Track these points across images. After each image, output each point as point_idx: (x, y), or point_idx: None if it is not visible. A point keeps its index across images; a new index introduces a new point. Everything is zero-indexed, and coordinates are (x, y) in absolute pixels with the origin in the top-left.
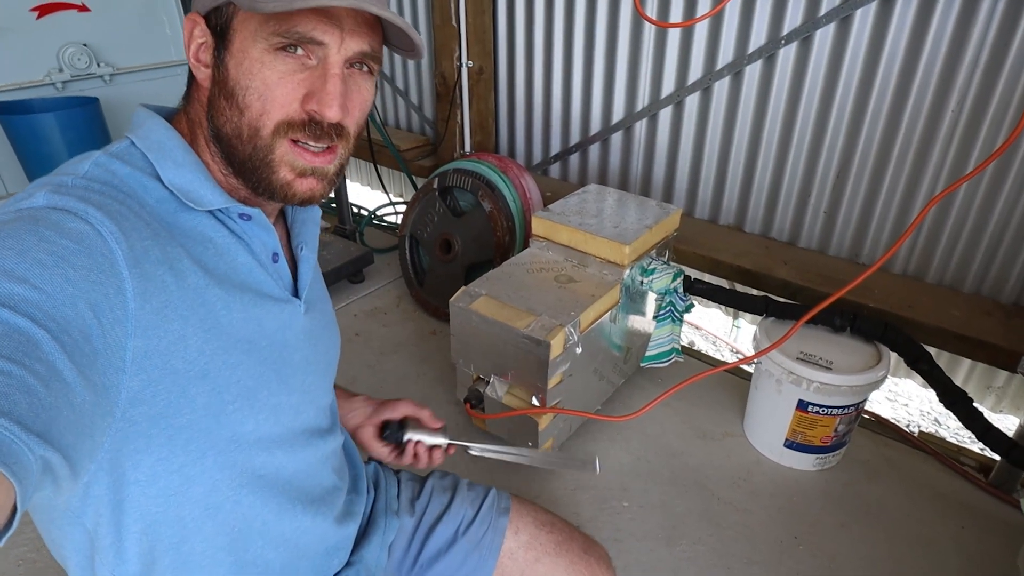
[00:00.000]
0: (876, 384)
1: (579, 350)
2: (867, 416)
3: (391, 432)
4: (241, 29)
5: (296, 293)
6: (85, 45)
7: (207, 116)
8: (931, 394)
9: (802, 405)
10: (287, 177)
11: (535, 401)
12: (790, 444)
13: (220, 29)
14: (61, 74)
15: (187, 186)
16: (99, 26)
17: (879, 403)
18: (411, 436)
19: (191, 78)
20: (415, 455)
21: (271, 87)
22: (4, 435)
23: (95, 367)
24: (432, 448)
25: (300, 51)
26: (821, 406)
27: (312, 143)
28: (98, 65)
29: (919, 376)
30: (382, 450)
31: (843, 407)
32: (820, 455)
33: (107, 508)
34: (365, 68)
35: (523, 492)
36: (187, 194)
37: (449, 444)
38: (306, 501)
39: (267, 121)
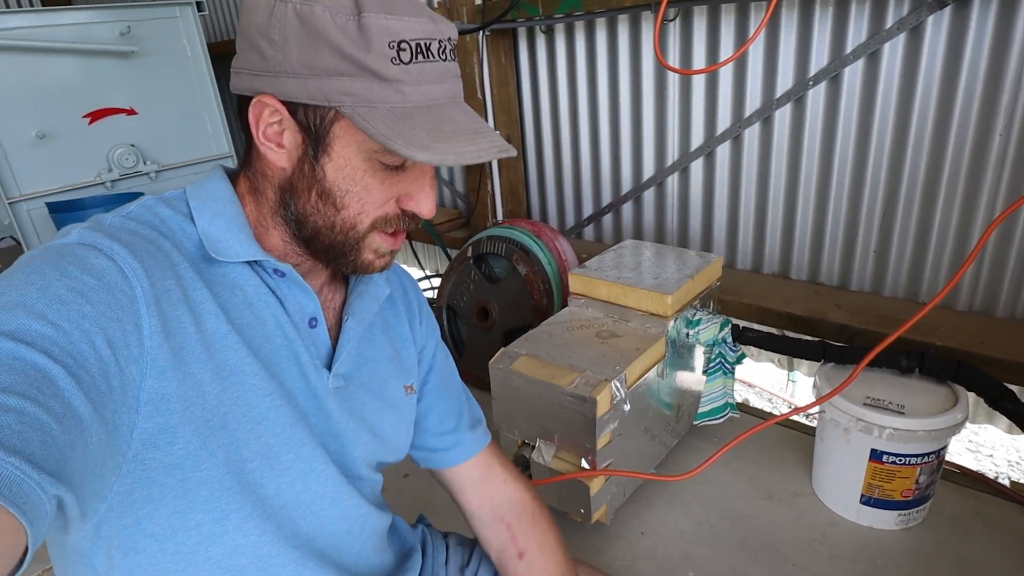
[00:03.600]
0: (956, 428)
1: (627, 407)
2: (950, 467)
3: None
4: (345, 137)
5: (330, 364)
6: (132, 145)
7: (279, 197)
8: (1020, 442)
9: (876, 455)
10: (369, 258)
11: (584, 464)
12: (867, 500)
13: (316, 130)
14: (110, 173)
15: (217, 236)
16: (145, 127)
17: (960, 455)
18: None
19: (249, 144)
20: None
21: (371, 191)
22: (15, 475)
23: (109, 405)
24: None
25: (406, 163)
26: (898, 455)
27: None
28: (144, 163)
29: (1003, 417)
30: None
31: (922, 455)
32: (902, 511)
33: (119, 553)
34: None
35: (579, 559)
36: (214, 244)
37: None
38: (343, 575)
39: (364, 220)
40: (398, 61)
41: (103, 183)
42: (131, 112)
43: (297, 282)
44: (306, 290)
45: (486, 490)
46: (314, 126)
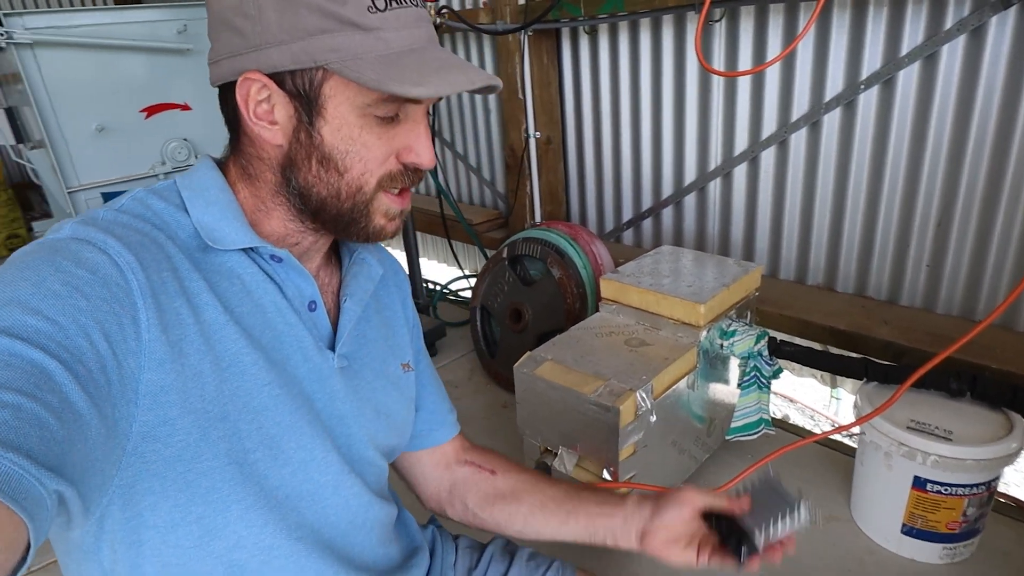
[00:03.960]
0: (1010, 458)
1: (653, 418)
2: (1003, 500)
3: (743, 545)
4: (337, 96)
5: (332, 346)
6: (185, 140)
7: (280, 176)
8: None
9: (919, 483)
10: (381, 223)
11: (607, 475)
12: (909, 530)
13: (307, 95)
14: (163, 166)
15: (212, 224)
16: (198, 122)
17: (1016, 486)
18: (768, 537)
19: (238, 131)
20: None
21: (371, 148)
22: (14, 470)
23: (108, 398)
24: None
25: (399, 114)
26: (943, 484)
27: (401, 187)
28: (195, 157)
29: None
30: (698, 558)
31: (971, 486)
32: (948, 544)
33: (123, 547)
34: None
35: (591, 566)
36: (210, 232)
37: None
38: (348, 567)
39: (369, 179)
40: (375, 9)
41: (156, 175)
42: (185, 107)
43: (295, 267)
44: (304, 274)
45: (447, 470)
46: (304, 91)
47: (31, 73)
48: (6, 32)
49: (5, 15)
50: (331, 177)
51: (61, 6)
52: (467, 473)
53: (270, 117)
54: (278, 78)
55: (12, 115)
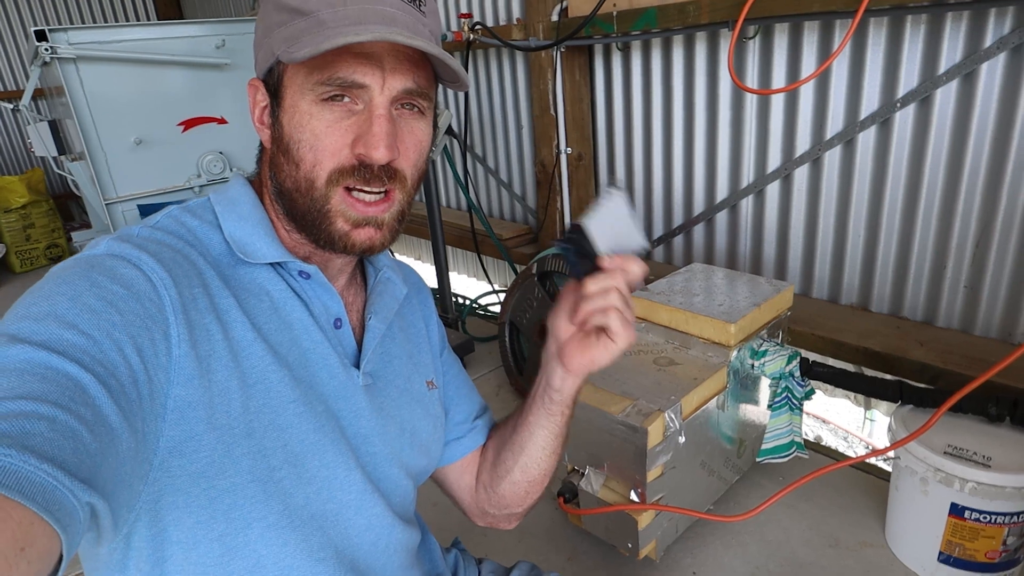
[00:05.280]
0: None
1: (682, 439)
2: None
3: (572, 251)
4: (290, 85)
5: (357, 364)
6: (221, 153)
7: (271, 175)
8: None
9: (956, 510)
10: (343, 228)
11: (634, 496)
12: (946, 559)
13: (274, 89)
14: (199, 179)
15: (244, 238)
16: (234, 135)
17: None
18: (597, 244)
19: (260, 148)
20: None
21: (320, 137)
22: (49, 481)
23: (139, 413)
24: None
25: (347, 98)
26: (982, 512)
27: (365, 189)
28: (231, 170)
29: None
30: (567, 323)
31: (1012, 514)
32: (987, 574)
33: (148, 565)
34: (415, 108)
35: None
36: (242, 246)
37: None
38: None
39: (320, 172)
40: None
41: (191, 188)
42: (222, 121)
43: (322, 283)
44: (330, 291)
45: (472, 472)
46: (273, 87)
47: (73, 87)
48: (51, 47)
49: (51, 31)
50: (291, 169)
51: (106, 22)
52: (478, 462)
53: (265, 119)
54: (267, 83)
55: (55, 127)
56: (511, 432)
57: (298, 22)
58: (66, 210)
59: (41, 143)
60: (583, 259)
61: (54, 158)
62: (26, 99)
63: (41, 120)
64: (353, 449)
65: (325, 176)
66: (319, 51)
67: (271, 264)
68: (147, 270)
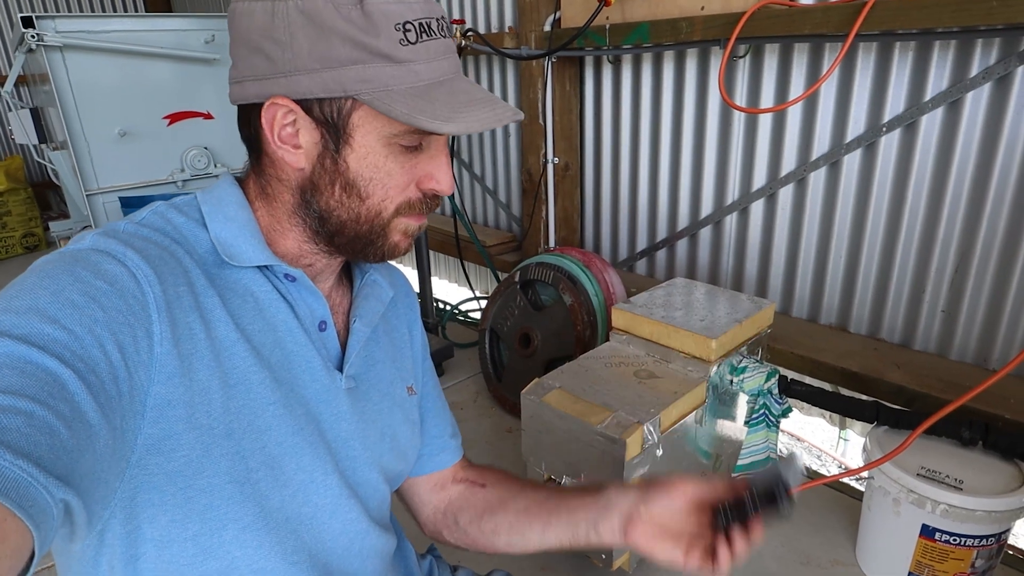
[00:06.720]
0: (1022, 511)
1: (659, 452)
2: (1014, 552)
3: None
4: (365, 125)
5: (340, 366)
6: (206, 148)
7: (299, 198)
8: None
9: (928, 532)
10: (395, 240)
11: None
12: None
13: (334, 123)
14: (183, 173)
15: (230, 240)
16: (219, 131)
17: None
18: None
19: (259, 151)
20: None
21: (394, 176)
22: (22, 477)
23: (117, 409)
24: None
25: (422, 143)
26: (952, 534)
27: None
28: (215, 165)
29: None
30: (685, 559)
31: (981, 537)
32: None
33: (120, 562)
34: None
35: None
36: (227, 248)
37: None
38: None
39: (389, 206)
40: (406, 42)
41: (174, 182)
42: (208, 116)
43: (308, 287)
44: (316, 294)
45: (443, 491)
46: (332, 119)
47: (59, 75)
48: (37, 34)
49: (38, 18)
50: (352, 202)
51: (93, 11)
52: (460, 490)
53: (294, 141)
54: (305, 104)
55: (37, 115)
56: (521, 510)
57: (384, 66)
58: (44, 199)
59: (22, 130)
60: (782, 493)
61: (35, 146)
62: (8, 85)
63: (23, 107)
64: (332, 452)
65: (393, 209)
66: (460, 131)
67: (257, 267)
68: (132, 266)
